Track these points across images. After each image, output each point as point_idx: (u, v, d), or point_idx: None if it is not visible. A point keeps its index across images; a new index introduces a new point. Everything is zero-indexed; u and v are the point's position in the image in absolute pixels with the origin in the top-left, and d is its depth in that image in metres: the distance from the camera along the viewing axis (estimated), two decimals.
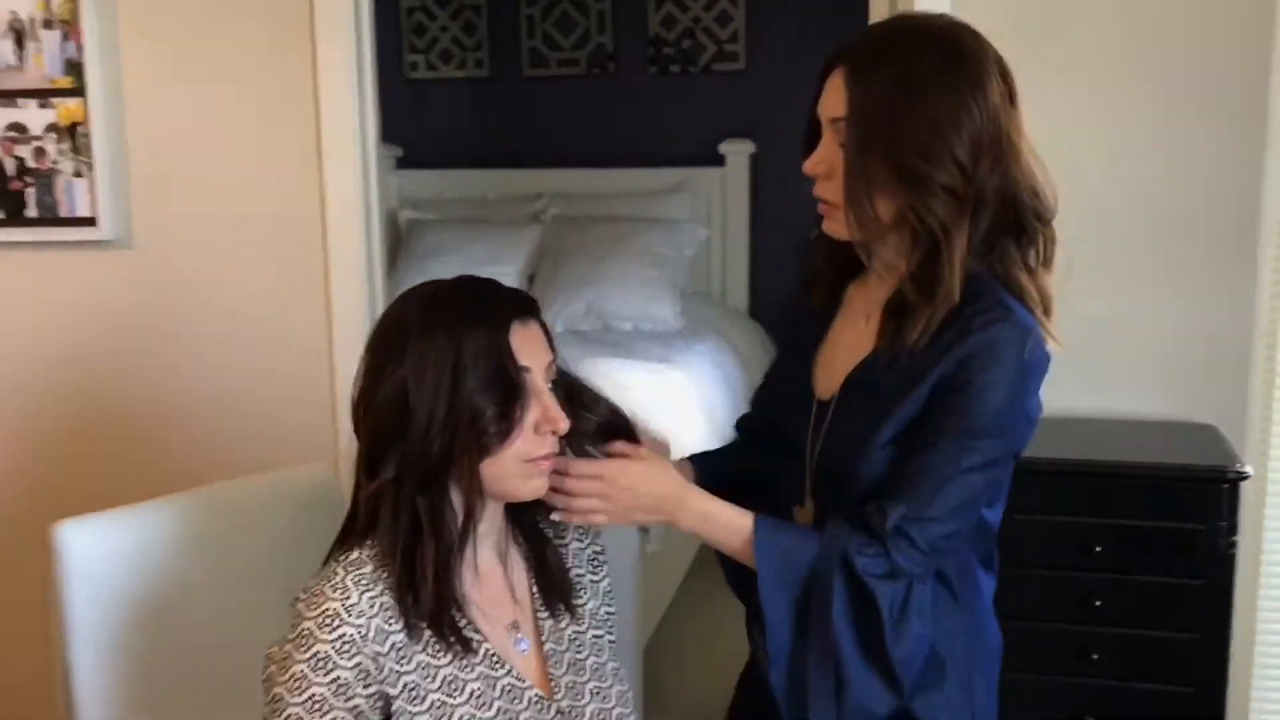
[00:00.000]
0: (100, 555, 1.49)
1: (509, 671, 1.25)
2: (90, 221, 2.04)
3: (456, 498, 1.22)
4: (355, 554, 1.22)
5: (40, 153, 2.04)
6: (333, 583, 1.20)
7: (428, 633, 1.21)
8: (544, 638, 1.30)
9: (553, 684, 1.28)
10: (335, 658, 1.16)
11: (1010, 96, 1.22)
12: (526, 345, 1.23)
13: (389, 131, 4.57)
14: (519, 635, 1.28)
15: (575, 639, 1.33)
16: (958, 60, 1.19)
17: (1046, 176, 1.23)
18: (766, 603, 1.21)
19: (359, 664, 1.16)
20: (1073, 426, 1.88)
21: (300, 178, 2.04)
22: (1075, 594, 1.75)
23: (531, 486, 1.23)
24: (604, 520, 1.27)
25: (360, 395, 1.23)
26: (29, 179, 2.05)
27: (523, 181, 4.49)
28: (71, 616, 1.47)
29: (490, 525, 1.28)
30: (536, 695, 1.25)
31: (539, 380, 1.22)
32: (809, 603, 1.21)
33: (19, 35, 2.01)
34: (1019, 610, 1.49)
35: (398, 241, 4.54)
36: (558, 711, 1.26)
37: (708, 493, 1.27)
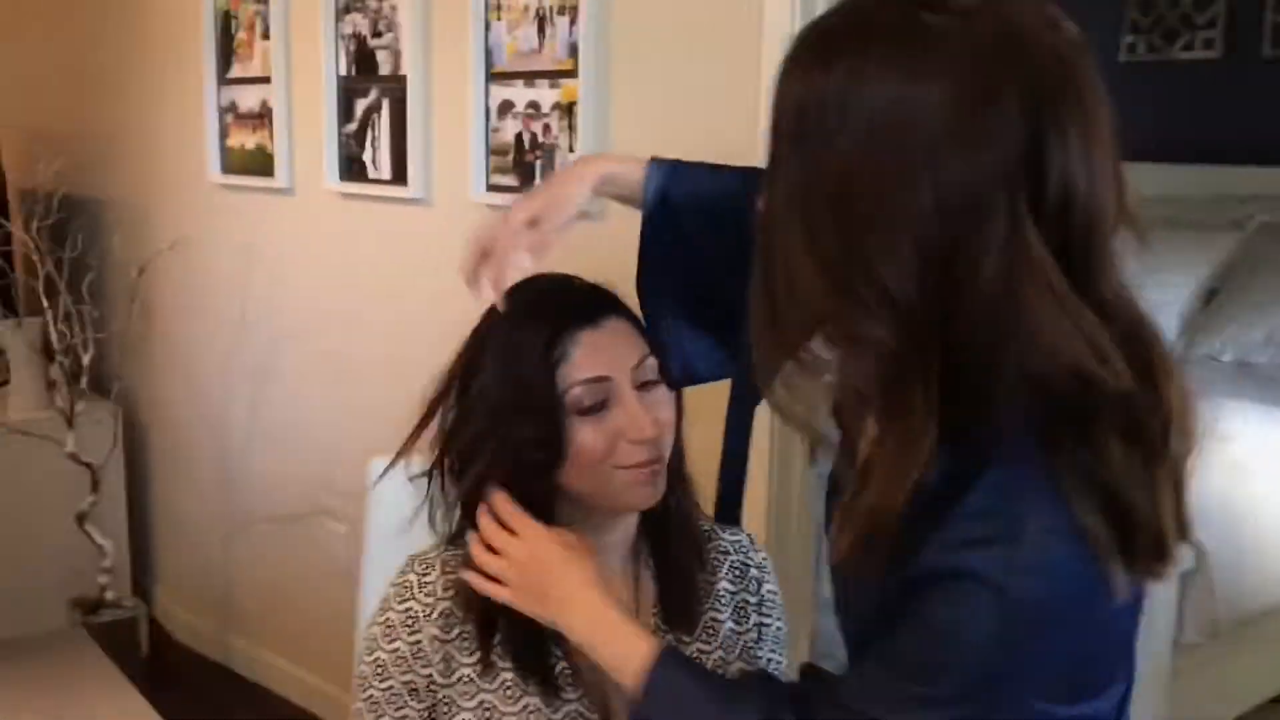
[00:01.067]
0: (404, 496, 1.64)
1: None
2: None
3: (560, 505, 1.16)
4: (434, 553, 1.22)
5: (547, 129, 2.24)
6: (425, 554, 1.23)
7: (505, 671, 1.16)
8: None
9: None
10: (399, 629, 1.18)
11: (1040, 179, 0.75)
12: (598, 353, 1.13)
13: None
14: None
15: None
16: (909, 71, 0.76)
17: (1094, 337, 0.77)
18: None
19: (418, 641, 1.17)
20: None
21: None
22: None
23: (639, 496, 1.15)
24: (502, 596, 1.11)
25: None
26: (538, 153, 2.26)
27: (1227, 180, 3.82)
28: (368, 553, 1.64)
29: (616, 537, 1.21)
30: None
31: (624, 388, 1.13)
32: None
33: (542, 21, 2.22)
34: None
35: None
36: None
37: (618, 602, 1.06)
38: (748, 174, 1.17)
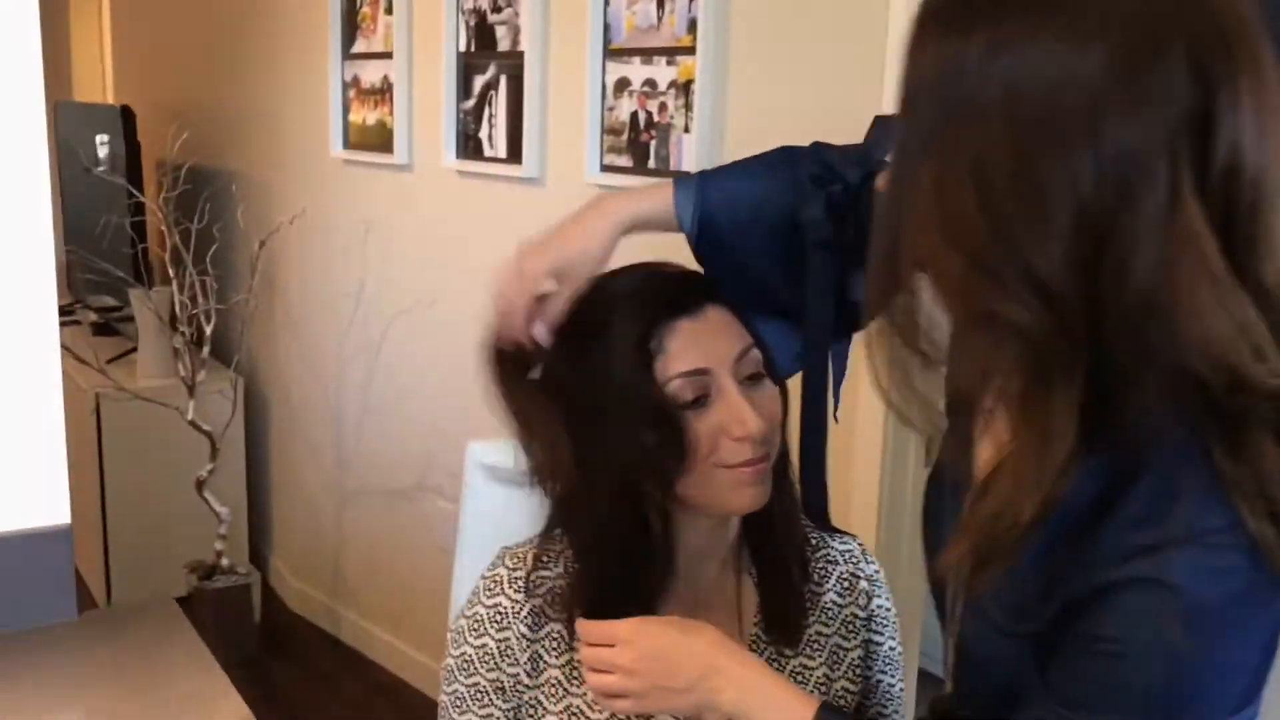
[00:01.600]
0: (500, 479, 1.61)
1: None
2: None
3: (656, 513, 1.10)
4: (526, 546, 1.18)
5: (663, 108, 2.18)
6: (518, 547, 1.19)
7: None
8: None
9: None
10: (487, 624, 1.14)
11: (1207, 146, 0.67)
12: (696, 344, 1.06)
13: None
14: None
15: (799, 677, 1.14)
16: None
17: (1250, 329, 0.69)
18: None
19: (505, 638, 1.13)
20: None
21: None
22: None
23: (744, 497, 1.07)
24: (630, 708, 1.01)
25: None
26: (654, 132, 2.21)
27: None
28: (462, 529, 1.62)
29: (716, 541, 1.14)
30: None
31: (725, 381, 1.05)
32: None
33: None
34: None
35: None
36: None
37: (760, 661, 0.98)
38: (783, 171, 1.09)
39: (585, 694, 1.09)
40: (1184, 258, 0.66)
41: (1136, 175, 0.66)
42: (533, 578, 1.13)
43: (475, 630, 1.13)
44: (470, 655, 1.12)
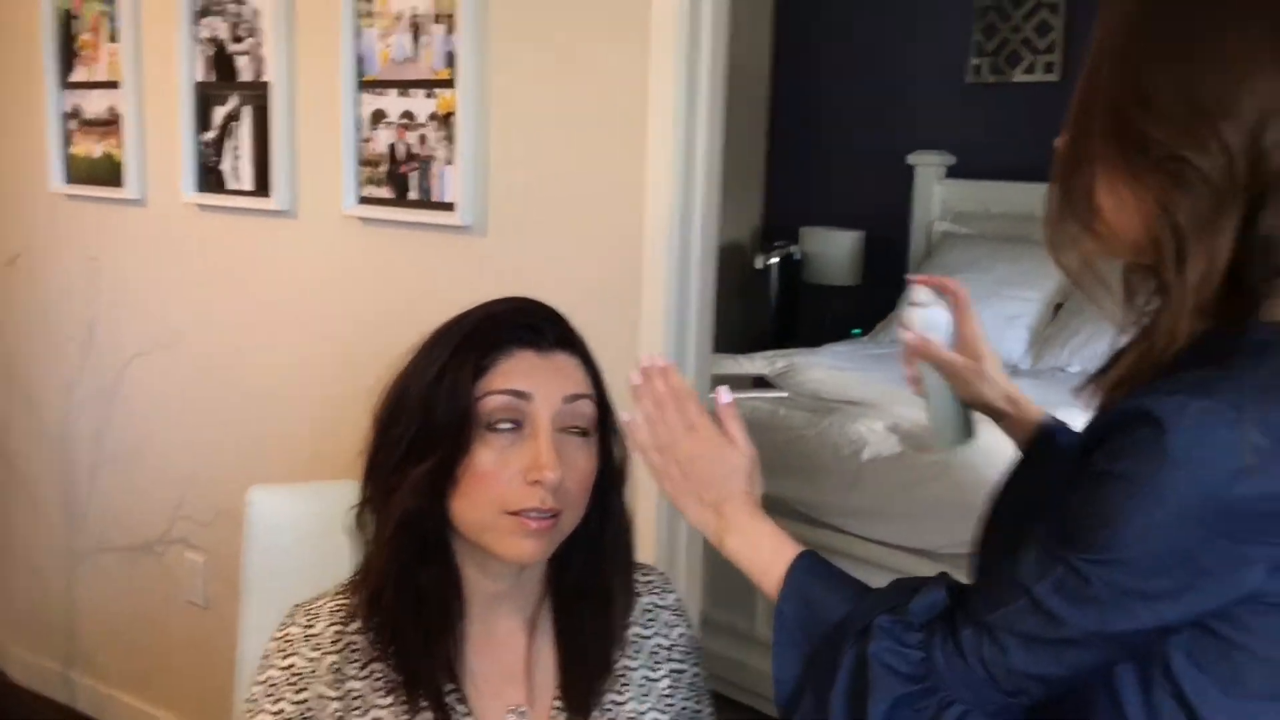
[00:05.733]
0: (280, 523, 1.56)
1: None
2: (450, 207, 2.14)
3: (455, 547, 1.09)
4: (320, 599, 1.15)
5: (423, 139, 2.18)
6: (311, 603, 1.14)
7: (391, 697, 1.09)
8: None
9: None
10: (283, 688, 1.08)
11: None
12: (529, 373, 1.05)
13: (942, 139, 4.35)
14: None
15: (609, 714, 1.13)
16: None
17: None
18: (776, 653, 1.00)
19: (304, 700, 1.07)
20: None
21: (623, 190, 1.96)
22: None
23: (517, 548, 1.04)
24: (667, 490, 1.13)
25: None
26: (414, 163, 2.20)
27: None
28: (246, 579, 1.56)
29: (513, 587, 1.12)
30: None
31: (542, 417, 1.04)
32: (815, 671, 0.95)
33: (416, 29, 2.16)
34: None
35: (928, 254, 4.31)
36: None
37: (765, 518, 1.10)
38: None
39: None
40: None
41: None
42: (328, 634, 1.08)
43: (271, 696, 1.06)
44: None
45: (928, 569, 2.59)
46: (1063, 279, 3.99)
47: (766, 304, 4.65)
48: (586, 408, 1.08)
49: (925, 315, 1.24)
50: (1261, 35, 0.80)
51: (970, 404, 1.26)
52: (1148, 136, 0.83)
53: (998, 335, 3.78)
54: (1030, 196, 3.92)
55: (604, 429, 1.12)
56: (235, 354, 2.61)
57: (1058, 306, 3.80)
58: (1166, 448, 0.77)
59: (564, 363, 1.09)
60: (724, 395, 1.12)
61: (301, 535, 1.54)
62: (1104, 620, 0.82)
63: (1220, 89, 0.80)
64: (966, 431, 1.29)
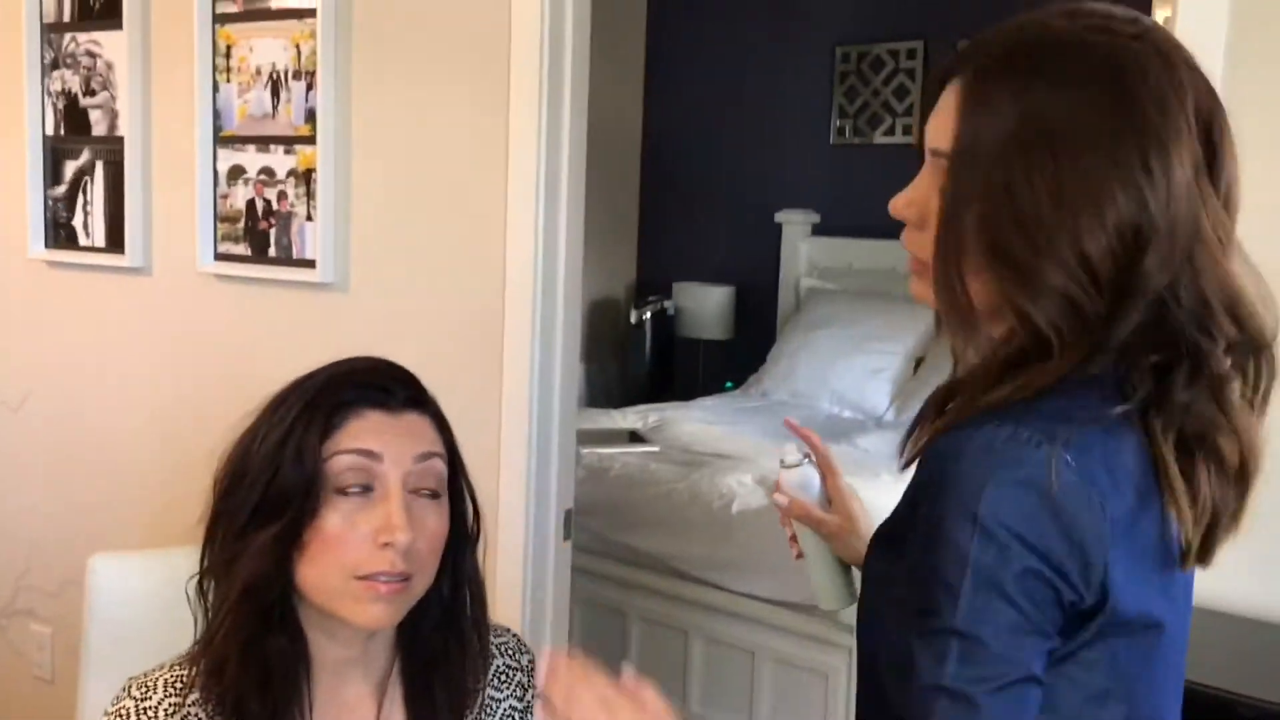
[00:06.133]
0: (125, 593, 1.50)
1: None
2: (311, 264, 2.11)
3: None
4: (156, 671, 1.10)
5: (282, 196, 2.14)
6: (147, 675, 1.09)
7: None
8: None
9: None
10: None
11: (1212, 166, 0.83)
12: (378, 432, 1.03)
13: (808, 197, 4.45)
14: None
15: None
16: (1123, 101, 0.80)
17: (1263, 288, 0.84)
18: None
19: None
20: None
21: (485, 247, 1.96)
22: None
23: (367, 613, 1.02)
24: None
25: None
26: (273, 220, 2.16)
27: None
28: (88, 652, 1.49)
29: (362, 653, 1.09)
30: None
31: (392, 477, 1.02)
32: None
33: (276, 85, 2.13)
34: None
35: (797, 309, 4.39)
36: None
37: None
38: None
39: None
40: (1220, 241, 0.82)
41: (1183, 198, 0.82)
42: (165, 706, 1.05)
43: None
44: None
45: (813, 626, 2.61)
46: (923, 334, 4.08)
47: (641, 358, 4.67)
48: (438, 466, 1.07)
49: (796, 475, 1.24)
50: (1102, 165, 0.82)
51: (851, 562, 1.25)
52: (1011, 244, 0.83)
53: (861, 389, 3.87)
54: (891, 254, 4.02)
55: (454, 490, 1.10)
56: (85, 415, 2.51)
57: (919, 361, 3.90)
58: (956, 476, 0.79)
59: (415, 422, 1.07)
60: None
61: (148, 605, 1.49)
62: (1026, 661, 0.79)
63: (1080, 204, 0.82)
64: (850, 593, 1.27)
